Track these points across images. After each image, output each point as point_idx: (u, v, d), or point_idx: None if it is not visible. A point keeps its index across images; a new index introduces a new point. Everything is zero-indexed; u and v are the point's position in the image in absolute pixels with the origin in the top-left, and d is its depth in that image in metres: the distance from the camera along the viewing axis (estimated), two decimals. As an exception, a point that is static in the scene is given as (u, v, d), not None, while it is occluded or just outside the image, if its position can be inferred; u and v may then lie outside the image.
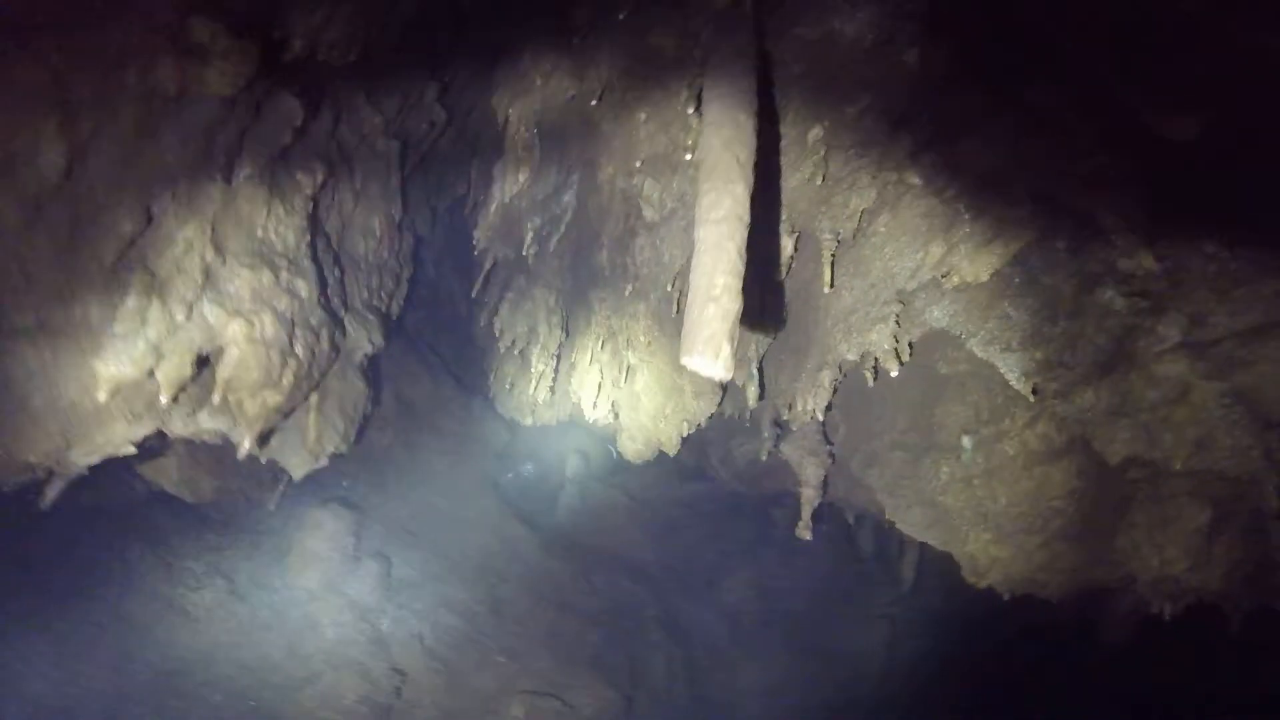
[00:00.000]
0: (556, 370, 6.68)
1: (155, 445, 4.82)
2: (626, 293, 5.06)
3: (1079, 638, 6.22)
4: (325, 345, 3.55)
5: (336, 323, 3.80)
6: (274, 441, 3.97)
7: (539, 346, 6.29)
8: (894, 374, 3.07)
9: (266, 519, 5.41)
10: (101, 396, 2.59)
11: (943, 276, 2.89)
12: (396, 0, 4.33)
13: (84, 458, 2.98)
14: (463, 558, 5.70)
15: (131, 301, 2.53)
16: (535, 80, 4.83)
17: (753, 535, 8.20)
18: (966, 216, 2.73)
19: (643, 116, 4.15)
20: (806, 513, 4.13)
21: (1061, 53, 2.38)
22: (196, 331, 2.79)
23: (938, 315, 3.06)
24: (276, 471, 5.78)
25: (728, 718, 6.55)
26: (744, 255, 1.71)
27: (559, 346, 6.38)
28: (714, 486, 8.53)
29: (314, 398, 3.76)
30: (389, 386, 6.37)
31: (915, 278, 3.01)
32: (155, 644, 4.27)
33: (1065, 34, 2.27)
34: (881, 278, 3.12)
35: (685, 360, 1.62)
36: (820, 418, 3.66)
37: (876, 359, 3.20)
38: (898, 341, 3.11)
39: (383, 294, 5.01)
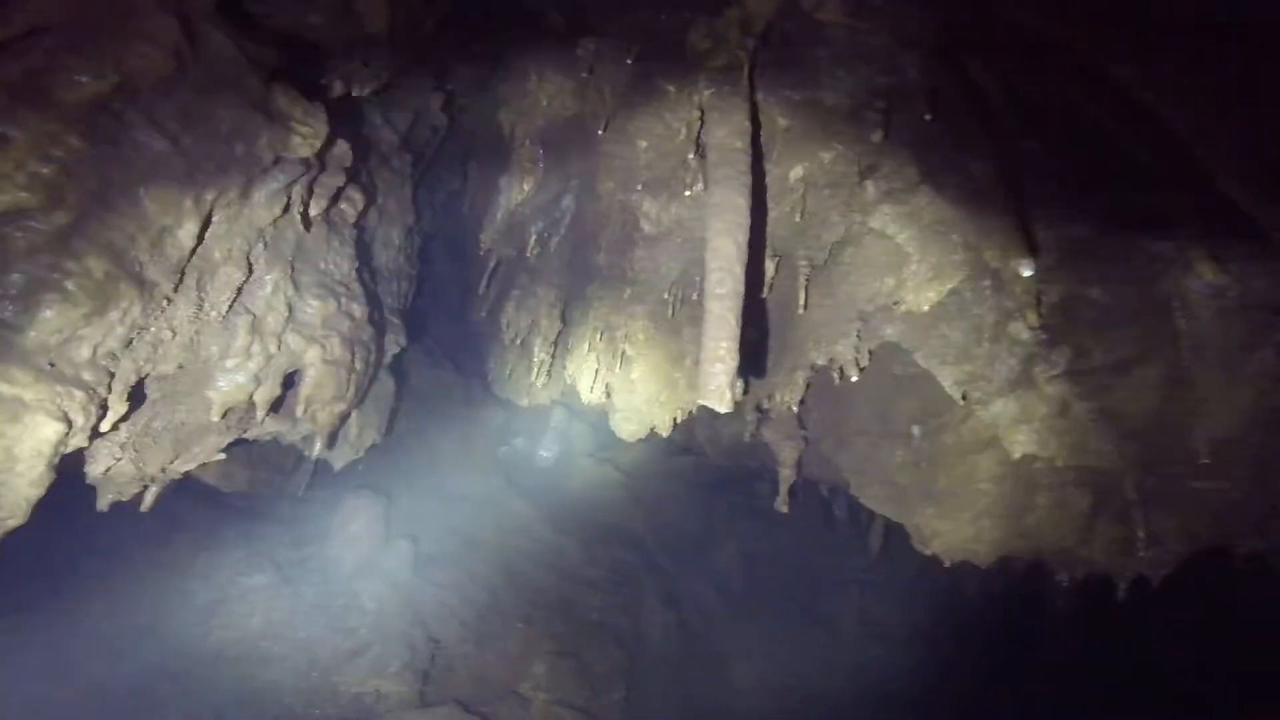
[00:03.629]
0: (554, 357, 7.46)
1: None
2: (625, 295, 5.82)
3: (1031, 604, 7.12)
4: (374, 355, 4.27)
5: (380, 333, 4.51)
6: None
7: (540, 337, 7.04)
8: (853, 379, 3.91)
9: (300, 508, 6.12)
10: (214, 418, 3.31)
11: (894, 304, 3.71)
12: (418, 27, 4.94)
13: (184, 465, 3.71)
14: (478, 534, 6.50)
15: (240, 340, 3.24)
16: (541, 100, 5.48)
17: (737, 507, 9.12)
18: (914, 257, 3.54)
19: (643, 144, 4.86)
20: (784, 489, 5.02)
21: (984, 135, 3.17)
22: (284, 358, 3.50)
23: (890, 332, 3.89)
24: (300, 461, 6.51)
25: (718, 676, 7.46)
26: (740, 322, 2.47)
27: (557, 335, 7.15)
28: (700, 460, 9.40)
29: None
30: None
31: (873, 302, 3.83)
32: (214, 627, 4.94)
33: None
34: (846, 300, 3.94)
35: (700, 400, 2.40)
36: (795, 409, 4.50)
37: (841, 365, 4.03)
38: (858, 351, 3.94)
39: (401, 297, 5.70)
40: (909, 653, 8.26)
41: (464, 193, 7.28)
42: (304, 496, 6.43)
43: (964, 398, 3.70)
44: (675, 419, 5.92)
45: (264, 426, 4.17)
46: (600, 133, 5.18)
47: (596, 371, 7.35)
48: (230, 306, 3.16)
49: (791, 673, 7.79)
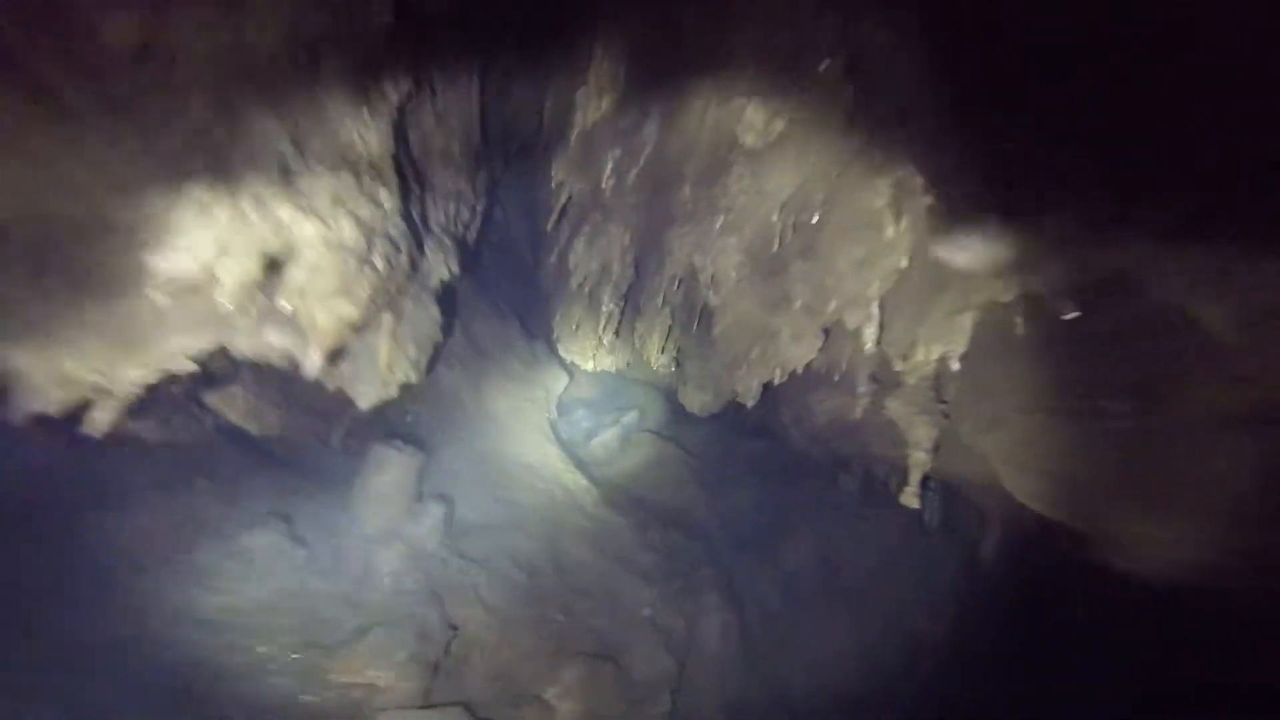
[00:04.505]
0: (623, 312, 6.37)
1: (222, 371, 4.63)
2: (716, 226, 4.65)
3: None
4: (404, 261, 3.24)
5: (416, 239, 3.48)
6: (344, 368, 3.72)
7: (610, 285, 5.97)
8: (1067, 317, 2.59)
9: (333, 460, 5.23)
10: (159, 297, 2.32)
11: (1123, 215, 2.38)
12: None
13: (139, 373, 2.72)
14: (525, 505, 5.48)
15: (198, 190, 2.23)
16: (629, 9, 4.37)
17: (815, 499, 7.79)
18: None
19: (750, 33, 3.67)
20: (914, 477, 3.70)
21: None
22: (268, 230, 2.49)
23: (1112, 255, 2.55)
24: (343, 406, 5.60)
25: (776, 689, 6.24)
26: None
27: (629, 287, 6.06)
28: (775, 445, 8.14)
29: (388, 319, 3.46)
30: (460, 324, 6.12)
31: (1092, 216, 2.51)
32: (213, 590, 4.09)
33: None
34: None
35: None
36: (955, 366, 3.20)
37: (1033, 304, 2.72)
38: (1065, 283, 2.62)
39: (459, 222, 4.69)
40: (1007, 688, 6.76)
41: (538, 136, 6.22)
42: (339, 446, 5.55)
43: (1241, 345, 2.35)
44: (773, 381, 4.68)
45: (264, 337, 3.20)
46: (691, 22, 4.03)
47: (669, 330, 6.24)
48: (186, 145, 2.17)
49: (858, 695, 6.46)
